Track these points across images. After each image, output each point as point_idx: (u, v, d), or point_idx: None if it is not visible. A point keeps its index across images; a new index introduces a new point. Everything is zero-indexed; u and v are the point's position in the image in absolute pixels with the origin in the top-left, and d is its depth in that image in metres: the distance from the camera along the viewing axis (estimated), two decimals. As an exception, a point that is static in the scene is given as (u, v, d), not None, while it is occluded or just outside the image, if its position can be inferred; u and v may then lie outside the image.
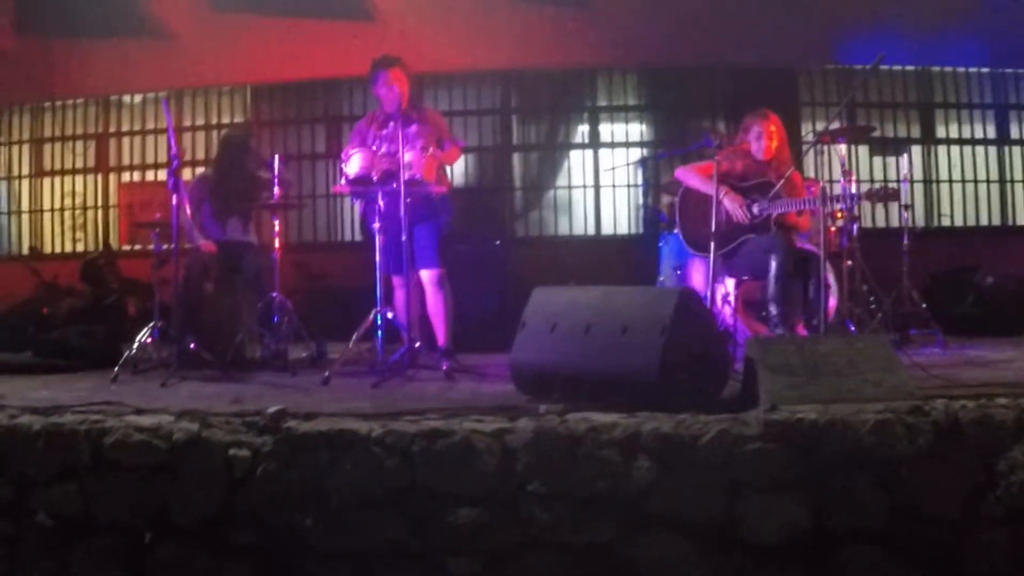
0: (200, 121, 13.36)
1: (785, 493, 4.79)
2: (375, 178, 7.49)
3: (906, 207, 9.39)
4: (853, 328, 7.83)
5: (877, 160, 12.49)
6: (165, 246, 8.32)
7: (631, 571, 4.81)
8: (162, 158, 13.27)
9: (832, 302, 8.13)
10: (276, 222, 8.35)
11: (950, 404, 5.00)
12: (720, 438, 4.82)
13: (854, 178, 8.33)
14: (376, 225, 7.63)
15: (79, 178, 13.86)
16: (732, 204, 7.77)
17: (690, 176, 8.18)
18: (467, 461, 4.91)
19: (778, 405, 5.02)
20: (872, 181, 11.85)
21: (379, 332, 7.56)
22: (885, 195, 8.11)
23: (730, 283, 8.16)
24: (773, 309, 7.51)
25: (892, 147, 12.51)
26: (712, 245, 7.16)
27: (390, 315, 7.68)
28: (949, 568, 4.77)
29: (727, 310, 8.06)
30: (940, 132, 13.10)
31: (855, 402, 5.06)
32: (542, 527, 4.86)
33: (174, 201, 7.75)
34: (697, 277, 8.64)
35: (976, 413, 4.89)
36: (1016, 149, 13.07)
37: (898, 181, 9.50)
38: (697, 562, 4.80)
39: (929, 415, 4.88)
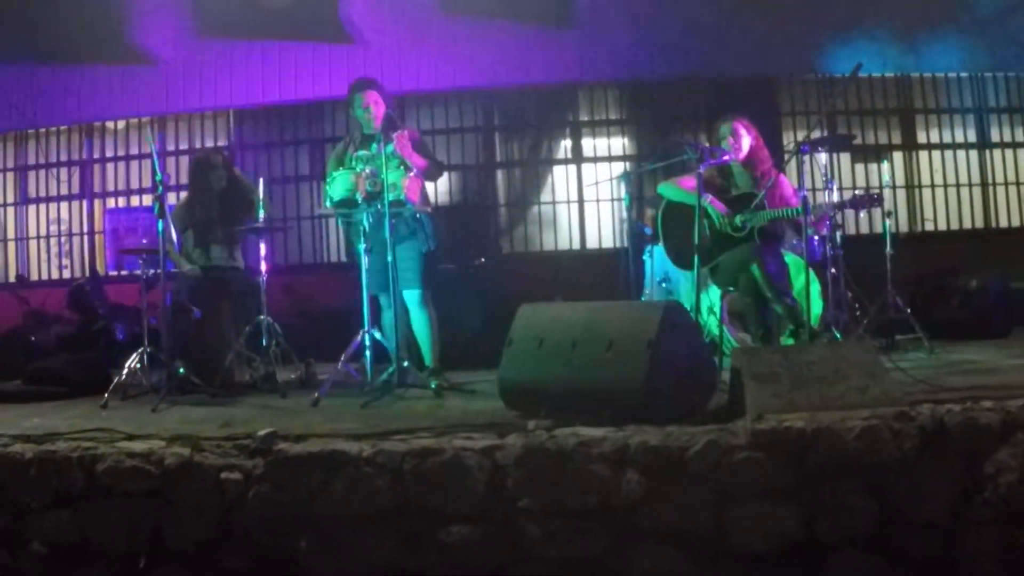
0: (184, 146, 13.42)
1: (774, 501, 4.81)
2: (359, 199, 7.51)
3: (888, 213, 9.44)
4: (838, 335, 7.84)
5: (859, 167, 12.55)
6: (152, 271, 8.33)
7: (623, 583, 4.84)
8: (146, 183, 13.32)
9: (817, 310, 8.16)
10: (262, 245, 8.36)
11: (936, 409, 5.02)
12: (708, 449, 4.84)
13: (835, 186, 8.33)
14: (363, 246, 7.65)
15: (64, 205, 13.89)
16: (717, 210, 7.77)
17: (671, 190, 8.18)
18: (458, 478, 4.93)
19: (765, 414, 5.04)
20: (854, 188, 11.92)
21: (367, 352, 7.57)
22: (869, 203, 8.14)
23: (715, 293, 8.19)
24: (779, 308, 7.53)
25: (873, 154, 12.58)
26: (696, 259, 7.17)
27: (378, 335, 7.69)
28: (939, 572, 4.79)
29: (713, 321, 8.08)
30: (921, 137, 13.18)
31: (841, 409, 5.08)
32: (533, 542, 4.88)
33: (159, 226, 7.76)
34: (682, 289, 8.67)
35: (962, 417, 4.91)
36: (997, 152, 13.15)
37: (880, 188, 9.54)
38: (689, 572, 4.82)
39: (915, 420, 4.90)
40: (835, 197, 8.30)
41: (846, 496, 4.81)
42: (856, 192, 8.83)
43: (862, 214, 10.94)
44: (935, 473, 4.83)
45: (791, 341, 7.57)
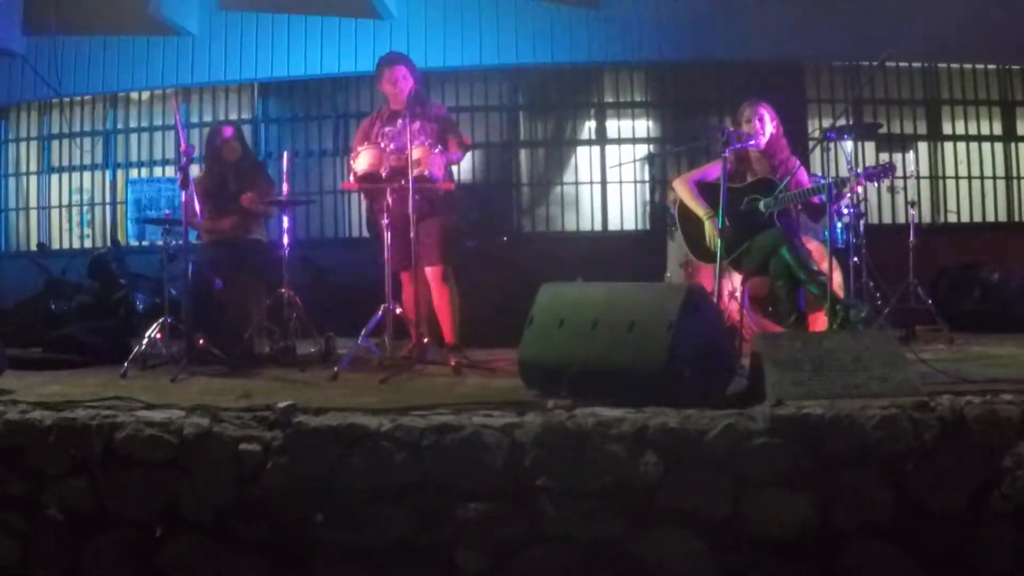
0: (208, 118, 13.42)
1: (792, 488, 4.80)
2: (384, 175, 7.51)
3: (912, 204, 9.42)
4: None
5: (884, 156, 12.49)
6: (174, 242, 8.35)
7: (638, 566, 4.83)
8: (169, 154, 13.34)
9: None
10: (284, 218, 8.37)
11: (956, 400, 5.01)
12: (727, 433, 4.84)
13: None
14: (384, 221, 7.65)
15: (87, 174, 13.93)
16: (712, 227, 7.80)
17: (682, 190, 8.20)
18: (476, 455, 4.93)
19: (784, 400, 5.04)
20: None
21: (388, 328, 7.58)
22: (882, 173, 8.08)
23: (736, 279, 8.18)
24: (814, 288, 7.49)
25: (899, 144, 12.54)
26: (720, 245, 7.16)
27: (398, 310, 7.70)
28: (955, 563, 4.78)
29: (734, 305, 8.07)
30: (947, 128, 13.11)
31: (861, 397, 5.08)
32: (550, 521, 4.88)
33: (183, 197, 7.78)
34: (704, 273, 8.64)
35: (982, 409, 4.89)
36: (1022, 145, 13.08)
37: (904, 177, 9.52)
38: (704, 557, 4.82)
39: (935, 411, 4.89)
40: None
41: (863, 484, 4.80)
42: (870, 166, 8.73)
43: (884, 198, 10.91)
44: (953, 464, 4.81)
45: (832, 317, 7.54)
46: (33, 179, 14.12)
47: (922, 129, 13.03)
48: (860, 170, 8.38)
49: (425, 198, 7.72)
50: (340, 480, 5.02)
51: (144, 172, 13.74)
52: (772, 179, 7.81)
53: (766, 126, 7.95)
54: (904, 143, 12.59)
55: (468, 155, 9.52)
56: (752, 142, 7.85)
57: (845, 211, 8.64)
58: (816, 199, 7.76)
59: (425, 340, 7.78)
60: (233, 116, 13.29)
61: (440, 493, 4.97)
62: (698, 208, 7.95)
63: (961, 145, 13.03)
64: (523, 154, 13.34)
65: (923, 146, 12.95)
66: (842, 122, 9.19)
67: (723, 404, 5.21)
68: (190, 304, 7.84)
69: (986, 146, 13.06)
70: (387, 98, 8.24)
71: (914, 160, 9.86)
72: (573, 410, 5.11)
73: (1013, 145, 13.07)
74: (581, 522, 4.87)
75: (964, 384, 5.66)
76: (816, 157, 9.24)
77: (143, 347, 7.68)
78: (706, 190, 7.95)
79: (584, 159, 13.20)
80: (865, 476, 4.79)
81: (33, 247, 13.59)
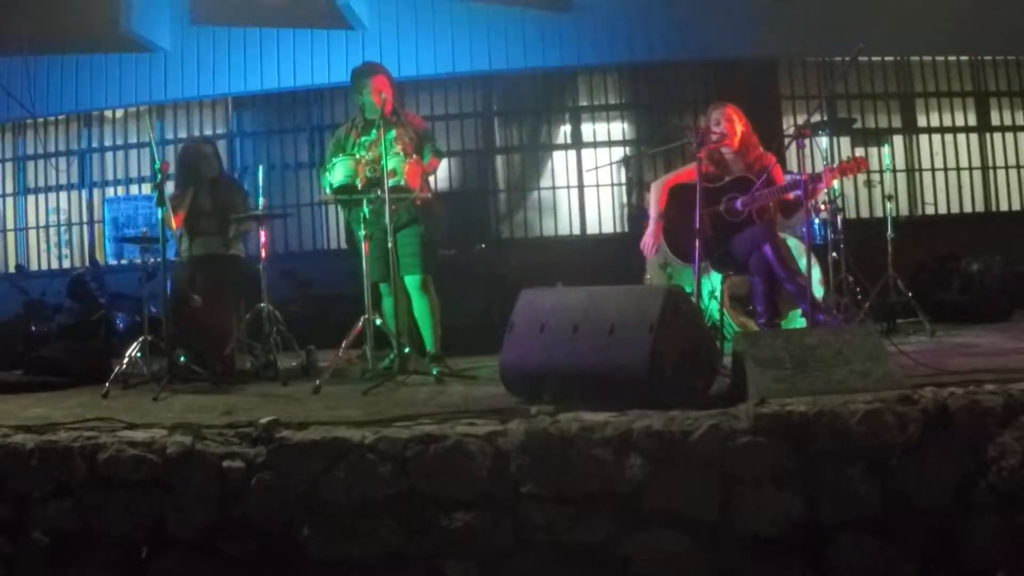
0: (183, 134, 13.40)
1: (778, 485, 4.79)
2: (360, 186, 7.50)
3: (889, 197, 9.45)
4: (821, 318, 7.73)
5: (860, 151, 12.52)
6: (152, 260, 8.32)
7: (627, 569, 4.82)
8: (145, 172, 13.31)
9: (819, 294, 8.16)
10: (261, 232, 8.35)
11: (938, 392, 5.02)
12: (711, 433, 4.83)
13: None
14: (363, 232, 7.63)
15: (63, 194, 13.90)
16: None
17: (653, 194, 8.24)
18: (460, 465, 4.91)
19: (767, 398, 5.04)
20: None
21: (368, 339, 7.57)
22: (855, 166, 8.09)
23: (716, 278, 8.18)
24: (791, 287, 7.50)
25: (874, 138, 12.58)
26: (696, 246, 7.16)
27: (378, 321, 7.69)
28: (943, 555, 4.78)
29: (714, 305, 8.08)
30: (921, 121, 13.17)
31: (844, 393, 5.09)
32: (537, 528, 4.87)
33: (159, 215, 7.75)
34: (683, 273, 8.65)
35: (965, 400, 4.90)
36: (997, 136, 13.16)
37: (880, 171, 9.54)
38: (693, 557, 4.81)
39: (918, 404, 4.89)
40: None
41: (849, 480, 4.79)
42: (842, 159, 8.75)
43: (862, 192, 10.95)
44: (938, 456, 4.82)
45: (801, 322, 7.56)
46: (9, 200, 14.07)
47: (897, 122, 13.09)
48: (833, 164, 8.40)
49: (403, 208, 7.70)
50: (325, 494, 5.00)
51: (120, 190, 13.71)
52: (749, 177, 7.81)
53: (735, 126, 7.97)
54: (879, 137, 12.62)
55: (444, 163, 9.47)
56: (725, 143, 7.87)
57: (822, 207, 8.66)
58: (791, 195, 7.76)
59: (406, 350, 7.76)
60: (208, 131, 13.30)
61: (426, 503, 4.95)
62: (652, 209, 7.99)
63: (936, 137, 13.11)
64: (499, 160, 13.37)
65: (898, 139, 12.99)
66: (817, 118, 9.21)
67: (707, 404, 5.20)
68: (170, 322, 7.81)
69: (961, 137, 13.13)
70: (361, 108, 8.21)
71: (889, 154, 9.86)
72: (556, 415, 5.09)
73: (988, 136, 13.15)
74: (568, 527, 4.85)
75: (946, 376, 5.68)
76: (791, 154, 9.24)
77: (124, 366, 7.65)
78: (682, 192, 7.94)
79: (560, 163, 13.23)
80: (850, 471, 4.79)
81: (11, 269, 13.53)
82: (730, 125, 7.95)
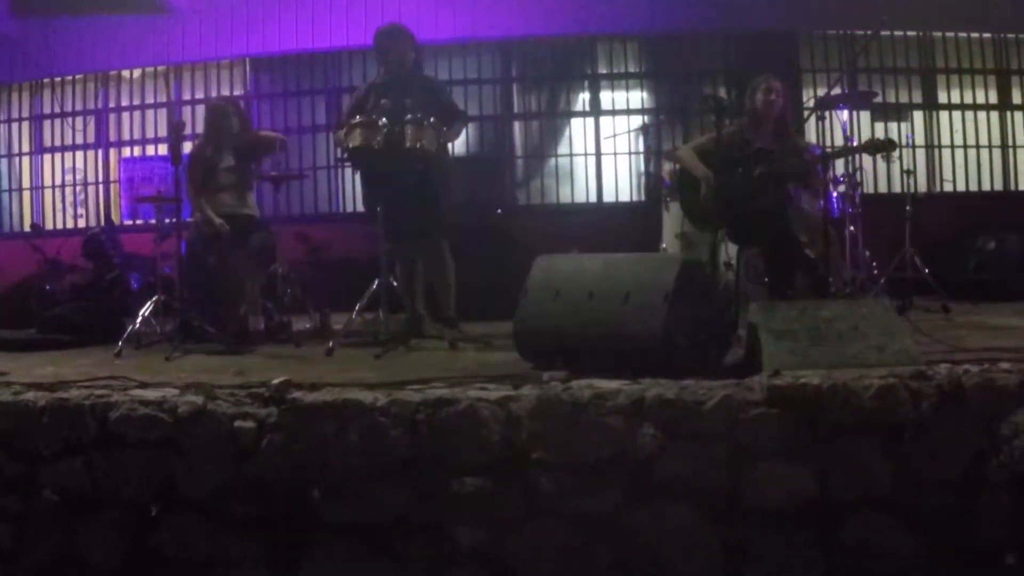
0: (200, 95, 13.34)
1: (789, 459, 4.78)
2: (377, 148, 7.47)
3: (908, 172, 9.40)
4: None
5: (879, 126, 12.47)
6: (167, 220, 8.31)
7: (636, 539, 4.81)
8: (162, 132, 13.29)
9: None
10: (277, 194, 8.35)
11: (953, 369, 4.99)
12: (724, 403, 4.81)
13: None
14: (379, 195, 7.61)
15: (79, 154, 13.88)
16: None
17: (687, 155, 8.13)
18: (472, 429, 4.91)
19: (781, 370, 5.02)
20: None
21: (383, 302, 7.55)
22: (886, 146, 8.03)
23: (732, 248, 8.14)
24: (808, 261, 7.46)
25: (894, 113, 12.51)
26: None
27: (394, 285, 7.68)
28: (953, 533, 4.76)
29: (730, 275, 8.04)
30: (942, 97, 13.07)
31: (858, 367, 5.06)
32: (546, 495, 4.86)
33: (176, 175, 7.75)
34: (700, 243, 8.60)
35: (979, 378, 4.87)
36: (1018, 114, 13.06)
37: (900, 147, 9.48)
38: (702, 529, 4.80)
39: (932, 380, 4.86)
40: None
41: (861, 455, 4.78)
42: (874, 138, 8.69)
43: (880, 168, 10.90)
44: (951, 434, 4.79)
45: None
46: (26, 160, 14.06)
47: (917, 98, 12.99)
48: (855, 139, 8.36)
49: (419, 171, 7.66)
50: (336, 456, 5.00)
51: (136, 151, 13.69)
52: (771, 149, 7.75)
53: (779, 100, 7.89)
54: (899, 112, 12.55)
55: (463, 128, 9.38)
56: (746, 119, 7.82)
57: (840, 181, 8.61)
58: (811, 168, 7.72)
59: (421, 314, 7.75)
60: (225, 92, 13.23)
61: (436, 468, 4.94)
62: (698, 170, 7.83)
63: (957, 114, 13.00)
64: (517, 127, 13.31)
65: (918, 115, 12.92)
66: (837, 91, 9.15)
67: (720, 374, 5.19)
68: (184, 282, 7.81)
69: (981, 115, 13.02)
70: (381, 70, 8.18)
71: (909, 129, 9.82)
72: (569, 382, 5.09)
73: (1009, 114, 13.05)
74: (578, 496, 4.85)
75: (961, 353, 5.66)
76: (811, 127, 9.20)
77: (137, 326, 7.66)
78: (704, 159, 7.88)
79: (578, 131, 13.17)
80: (863, 446, 4.77)
81: (27, 228, 13.49)
82: (777, 98, 7.86)
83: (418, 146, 7.41)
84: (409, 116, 7.46)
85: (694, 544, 4.80)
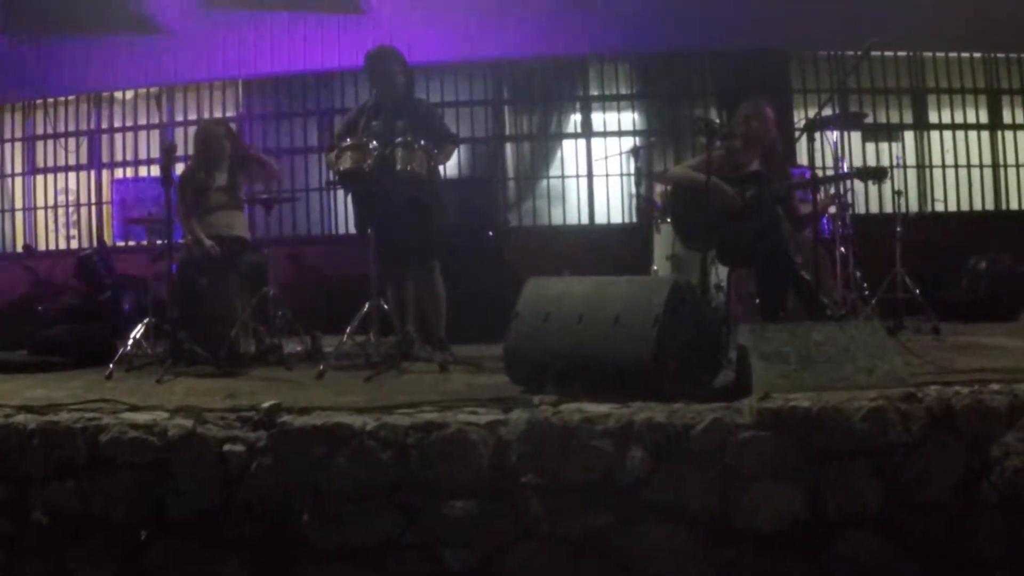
0: (192, 116, 13.36)
1: (780, 481, 4.78)
2: (368, 171, 7.47)
3: (899, 193, 9.42)
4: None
5: (870, 146, 12.50)
6: (159, 242, 8.31)
7: (626, 561, 4.82)
8: (154, 153, 13.29)
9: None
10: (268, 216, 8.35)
11: (943, 390, 5.01)
12: (714, 427, 4.81)
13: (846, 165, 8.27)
14: (370, 218, 7.62)
15: (72, 175, 13.89)
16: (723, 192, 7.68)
17: (681, 172, 8.11)
18: (461, 453, 4.91)
19: (771, 393, 5.02)
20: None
21: (373, 324, 7.55)
22: (878, 173, 8.03)
23: (723, 270, 8.15)
24: (799, 282, 7.44)
25: (885, 133, 12.54)
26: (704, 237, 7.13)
27: (384, 307, 7.68)
28: (945, 554, 4.77)
29: (720, 297, 8.05)
30: (933, 117, 13.11)
31: (848, 389, 5.07)
32: (536, 518, 4.86)
33: (167, 196, 7.75)
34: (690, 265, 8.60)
35: (969, 399, 4.88)
36: (1008, 134, 13.09)
37: (891, 167, 9.49)
38: (693, 551, 4.80)
39: (922, 402, 4.88)
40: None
41: (852, 477, 4.79)
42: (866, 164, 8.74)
43: (871, 188, 10.92)
44: (942, 455, 4.80)
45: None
46: (19, 180, 14.06)
47: (908, 118, 13.03)
48: (847, 168, 8.37)
49: (410, 194, 7.67)
50: (325, 480, 5.00)
51: (129, 172, 13.69)
52: (763, 172, 7.76)
53: (770, 125, 7.87)
54: (890, 132, 12.58)
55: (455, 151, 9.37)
56: (737, 143, 7.80)
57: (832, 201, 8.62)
58: (800, 194, 7.73)
59: (412, 337, 7.75)
60: (217, 113, 13.25)
61: (426, 492, 4.94)
62: (697, 180, 7.73)
63: (948, 134, 13.03)
64: (508, 148, 13.33)
65: (909, 135, 12.95)
66: (828, 112, 9.16)
67: (710, 397, 5.19)
68: (174, 304, 7.80)
69: (972, 135, 13.06)
70: (373, 93, 8.20)
71: (900, 149, 9.86)
72: (559, 406, 5.09)
73: (999, 133, 13.08)
74: (568, 518, 4.85)
75: (952, 374, 5.67)
76: (802, 147, 9.21)
77: (128, 348, 7.65)
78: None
79: (570, 152, 13.19)
80: (853, 468, 4.78)
81: (19, 248, 13.53)
82: (767, 126, 7.85)
83: (408, 168, 7.43)
84: (399, 139, 7.48)
85: (684, 565, 4.80)
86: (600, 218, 13.01)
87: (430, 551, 4.94)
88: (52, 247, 13.77)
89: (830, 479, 4.78)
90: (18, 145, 14.07)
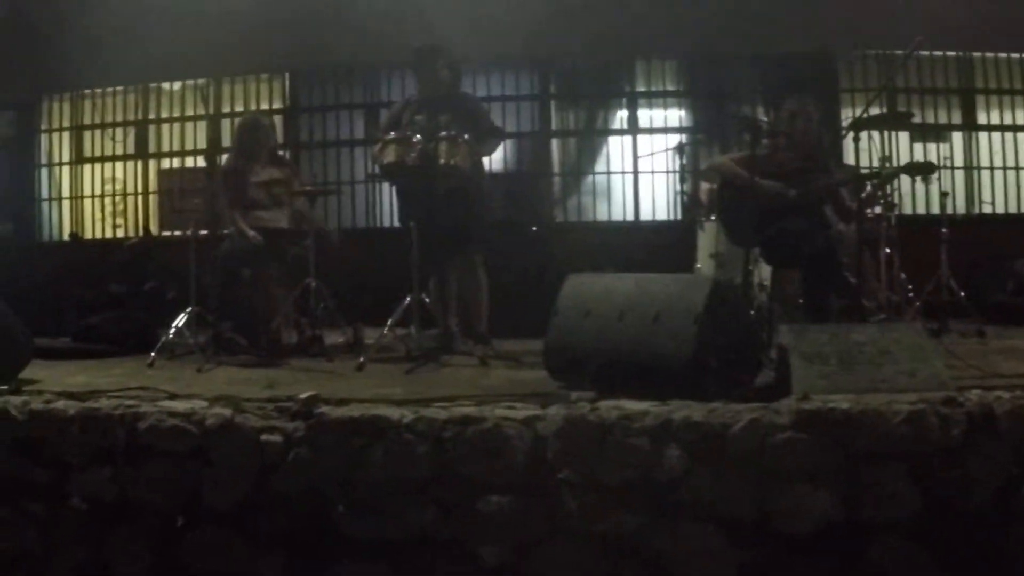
0: (239, 107, 13.38)
1: (816, 484, 4.75)
2: (411, 164, 7.48)
3: (945, 194, 9.34)
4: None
5: (918, 146, 12.40)
6: (204, 232, 8.35)
7: (660, 561, 4.80)
8: (201, 144, 13.33)
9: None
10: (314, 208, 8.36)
11: (985, 395, 4.95)
12: (752, 427, 4.79)
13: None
14: (414, 211, 7.63)
15: (119, 165, 13.96)
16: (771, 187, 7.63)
17: (727, 166, 8.07)
18: (497, 448, 4.91)
19: (810, 394, 4.99)
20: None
21: (415, 317, 7.56)
22: (925, 169, 7.97)
23: (766, 270, 8.10)
24: (843, 283, 7.39)
25: (933, 133, 12.43)
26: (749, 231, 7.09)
27: (426, 300, 7.69)
28: (981, 562, 4.72)
29: (763, 297, 8.00)
30: (981, 118, 12.98)
31: (888, 392, 5.04)
32: (571, 515, 4.86)
33: (211, 187, 7.79)
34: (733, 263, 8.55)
35: (1011, 404, 4.83)
36: (1060, 136, 12.95)
37: (939, 168, 9.41)
38: (727, 552, 4.78)
39: (963, 406, 4.83)
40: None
41: (890, 481, 4.74)
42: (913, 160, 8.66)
43: (918, 189, 10.84)
44: (981, 461, 4.75)
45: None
46: (66, 169, 14.16)
47: (956, 119, 12.90)
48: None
49: (454, 188, 7.67)
50: (361, 472, 5.01)
51: (176, 162, 13.76)
52: (807, 168, 7.70)
53: (813, 121, 7.83)
54: (938, 133, 12.48)
55: (500, 145, 9.34)
56: (782, 142, 7.76)
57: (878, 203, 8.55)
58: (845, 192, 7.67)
59: (453, 330, 7.76)
60: (264, 106, 13.28)
61: (461, 486, 4.95)
62: (744, 177, 7.67)
63: (996, 135, 12.90)
64: (555, 144, 13.29)
65: (957, 136, 12.83)
66: (875, 111, 9.09)
67: (749, 397, 5.17)
68: (217, 294, 7.84)
69: (1022, 136, 12.91)
70: (419, 86, 8.21)
71: (948, 150, 9.76)
72: (597, 403, 5.08)
73: (1050, 136, 12.94)
74: (602, 516, 4.83)
75: (994, 379, 5.62)
76: (848, 146, 9.15)
77: (170, 337, 7.70)
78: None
79: (616, 149, 13.13)
80: (891, 472, 4.74)
81: (66, 237, 13.63)
82: (810, 121, 7.80)
83: (452, 162, 7.43)
84: (443, 133, 7.49)
85: (718, 566, 4.79)
86: (645, 215, 12.96)
87: (464, 545, 4.94)
88: (98, 236, 13.85)
89: (867, 483, 4.74)
90: (66, 135, 14.16)
